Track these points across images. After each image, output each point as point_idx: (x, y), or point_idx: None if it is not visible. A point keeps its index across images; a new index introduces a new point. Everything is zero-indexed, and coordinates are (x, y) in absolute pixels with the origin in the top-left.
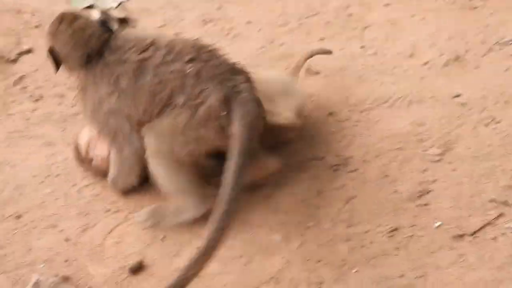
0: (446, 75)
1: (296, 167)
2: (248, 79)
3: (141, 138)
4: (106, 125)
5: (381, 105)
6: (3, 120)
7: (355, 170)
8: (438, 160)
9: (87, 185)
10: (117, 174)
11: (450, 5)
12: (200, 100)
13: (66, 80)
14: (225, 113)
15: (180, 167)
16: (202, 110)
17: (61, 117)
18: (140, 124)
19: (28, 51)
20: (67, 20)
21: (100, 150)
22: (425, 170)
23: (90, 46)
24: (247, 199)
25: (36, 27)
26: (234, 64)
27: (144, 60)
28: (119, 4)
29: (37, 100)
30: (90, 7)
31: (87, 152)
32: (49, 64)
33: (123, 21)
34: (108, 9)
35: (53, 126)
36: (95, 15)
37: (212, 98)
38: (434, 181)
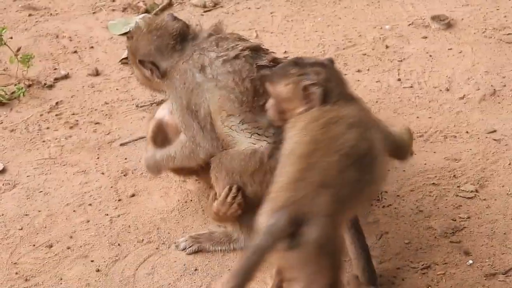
0: (482, 110)
1: None
2: None
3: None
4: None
5: (417, 139)
6: (38, 146)
7: (389, 205)
8: (472, 197)
9: (119, 215)
10: (159, 158)
11: (487, 39)
12: None
13: (102, 107)
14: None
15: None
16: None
17: (96, 145)
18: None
19: (66, 77)
20: (143, 27)
21: None
22: (459, 206)
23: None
24: None
25: (74, 52)
26: None
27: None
28: None
29: (72, 127)
30: (128, 33)
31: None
32: (86, 90)
33: None
34: None
35: (88, 153)
36: None
37: None
38: (468, 217)
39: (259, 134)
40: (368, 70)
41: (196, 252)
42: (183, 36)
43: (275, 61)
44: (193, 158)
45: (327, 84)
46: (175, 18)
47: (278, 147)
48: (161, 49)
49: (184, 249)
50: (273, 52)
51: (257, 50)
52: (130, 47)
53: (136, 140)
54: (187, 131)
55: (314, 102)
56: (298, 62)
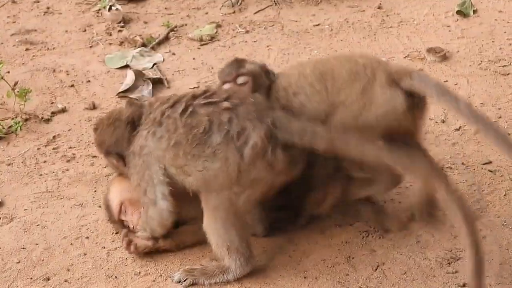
0: (478, 142)
1: (326, 233)
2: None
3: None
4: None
5: None
6: (35, 180)
7: (385, 236)
8: None
9: (116, 248)
10: (145, 225)
11: (483, 71)
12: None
13: None
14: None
15: (236, 221)
16: (247, 150)
17: (93, 178)
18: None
19: (63, 111)
20: None
21: (131, 217)
22: (455, 237)
23: None
24: (275, 264)
25: (71, 86)
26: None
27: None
28: (154, 65)
29: (69, 161)
30: (125, 67)
31: (119, 216)
32: (83, 124)
33: (158, 81)
34: (143, 70)
35: (85, 186)
36: (130, 75)
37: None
38: (464, 248)
39: None
40: None
41: (191, 285)
42: (134, 122)
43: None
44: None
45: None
46: (131, 104)
47: None
48: (119, 140)
49: (179, 281)
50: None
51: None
52: (96, 139)
53: None
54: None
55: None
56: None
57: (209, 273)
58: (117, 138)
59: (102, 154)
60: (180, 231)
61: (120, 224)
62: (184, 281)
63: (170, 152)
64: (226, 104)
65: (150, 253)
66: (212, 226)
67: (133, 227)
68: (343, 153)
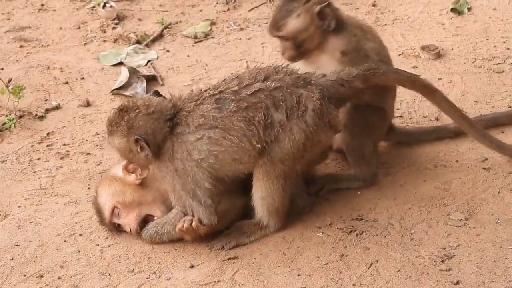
0: (472, 140)
1: (320, 229)
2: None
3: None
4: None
5: (407, 168)
6: (29, 177)
7: (379, 233)
8: (462, 225)
9: (110, 245)
10: (159, 231)
11: (477, 69)
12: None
13: (93, 138)
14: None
15: (292, 186)
16: (308, 115)
17: (87, 175)
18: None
19: (57, 108)
20: None
21: (127, 220)
22: (448, 235)
23: None
24: (269, 262)
25: (65, 83)
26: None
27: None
28: (148, 62)
29: (63, 158)
30: (120, 64)
31: (111, 219)
32: (77, 121)
33: (152, 79)
34: (137, 67)
35: (79, 184)
36: (124, 72)
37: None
38: (457, 246)
39: None
40: None
41: (235, 246)
42: (172, 120)
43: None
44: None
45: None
46: (166, 101)
47: None
48: (156, 132)
49: (222, 247)
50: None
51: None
52: (128, 121)
53: None
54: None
55: (330, 21)
56: None
57: (247, 232)
58: (155, 130)
59: (129, 137)
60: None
61: (112, 226)
62: (227, 244)
63: (230, 150)
64: (272, 84)
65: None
66: (268, 192)
67: (130, 230)
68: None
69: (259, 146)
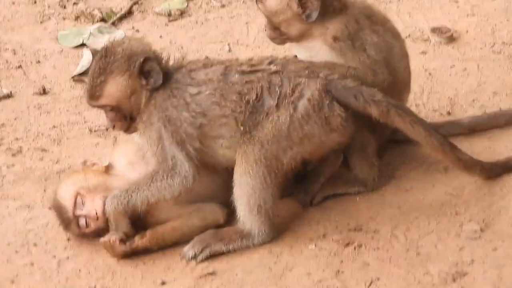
0: (489, 137)
1: (312, 241)
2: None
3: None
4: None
5: (414, 170)
6: None
7: (381, 246)
8: (477, 237)
9: (68, 257)
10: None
11: (496, 55)
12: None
13: (50, 131)
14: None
15: (275, 181)
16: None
17: (43, 175)
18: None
19: (8, 96)
20: None
21: (92, 204)
22: (461, 249)
23: None
24: (253, 279)
25: (18, 67)
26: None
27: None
28: None
29: (15, 155)
30: (82, 45)
31: (74, 211)
32: (31, 112)
33: None
34: None
35: (33, 185)
36: (86, 55)
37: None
38: (471, 261)
39: None
40: None
41: (209, 257)
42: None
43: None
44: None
45: None
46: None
47: None
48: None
49: (194, 256)
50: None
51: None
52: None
53: None
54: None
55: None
56: None
57: (226, 238)
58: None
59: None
60: (160, 228)
61: (75, 225)
62: (200, 253)
63: (216, 122)
64: (273, 67)
65: (130, 255)
66: (247, 181)
67: (95, 215)
68: (393, 123)
69: (241, 128)
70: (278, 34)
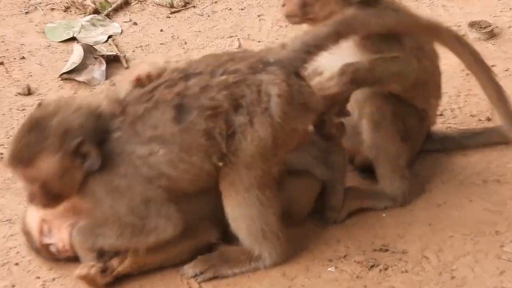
0: None
1: (331, 263)
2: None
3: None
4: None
5: (447, 183)
6: None
7: (410, 269)
8: None
9: (54, 279)
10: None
11: None
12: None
13: None
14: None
15: (271, 196)
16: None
17: None
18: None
19: None
20: None
21: (59, 234)
22: (501, 272)
23: None
24: None
25: (0, 64)
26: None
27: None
28: (109, 38)
29: None
30: (72, 40)
31: (41, 240)
32: (14, 114)
33: (114, 60)
34: (94, 44)
35: (15, 197)
36: (77, 51)
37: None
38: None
39: None
40: None
41: (212, 278)
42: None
43: None
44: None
45: None
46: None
47: None
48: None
49: (195, 276)
50: None
51: None
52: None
53: None
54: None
55: None
56: None
57: (233, 261)
58: (94, 128)
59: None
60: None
61: (45, 252)
62: (201, 274)
63: (188, 173)
64: (230, 79)
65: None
66: (243, 213)
67: (63, 246)
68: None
69: (220, 164)
70: (302, 12)
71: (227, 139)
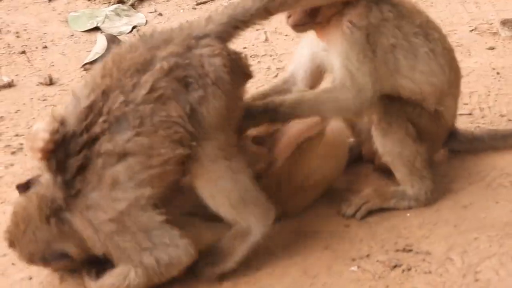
0: None
1: (354, 262)
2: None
3: None
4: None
5: (474, 184)
6: None
7: (434, 270)
8: None
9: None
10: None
11: None
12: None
13: None
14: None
15: (243, 168)
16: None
17: None
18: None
19: (9, 85)
20: None
21: None
22: None
23: None
24: None
25: (22, 53)
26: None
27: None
28: (133, 28)
29: (14, 153)
30: (95, 29)
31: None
32: (35, 104)
33: None
34: (119, 34)
35: None
36: (100, 41)
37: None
38: None
39: None
40: None
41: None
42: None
43: None
44: None
45: None
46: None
47: None
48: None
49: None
50: None
51: None
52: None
53: None
54: None
55: None
56: None
57: (231, 249)
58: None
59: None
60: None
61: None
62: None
63: (161, 167)
64: (165, 64)
65: None
66: (218, 185)
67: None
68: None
69: (194, 143)
70: (310, 18)
71: (190, 118)
